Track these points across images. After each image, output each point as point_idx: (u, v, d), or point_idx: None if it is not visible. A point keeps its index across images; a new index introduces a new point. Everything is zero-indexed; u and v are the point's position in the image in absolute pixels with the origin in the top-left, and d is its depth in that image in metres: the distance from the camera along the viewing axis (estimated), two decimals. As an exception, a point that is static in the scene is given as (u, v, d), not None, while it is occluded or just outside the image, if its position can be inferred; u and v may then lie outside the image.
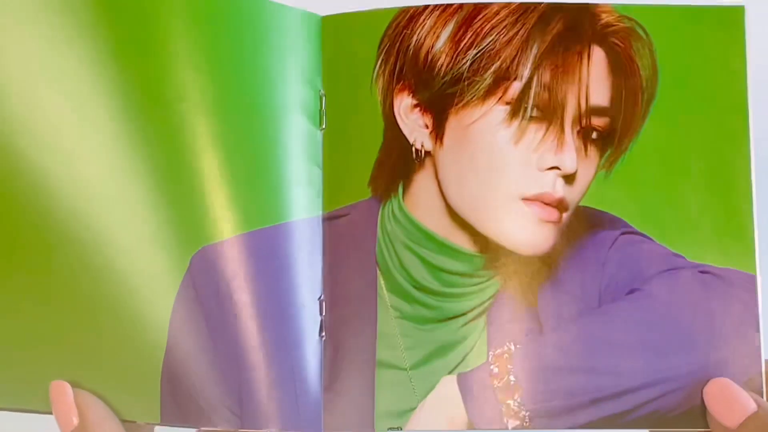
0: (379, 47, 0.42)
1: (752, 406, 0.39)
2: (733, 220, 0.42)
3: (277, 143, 0.41)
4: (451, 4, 0.42)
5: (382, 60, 0.42)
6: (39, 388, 0.40)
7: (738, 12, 0.42)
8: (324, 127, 0.42)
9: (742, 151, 0.42)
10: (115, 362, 0.40)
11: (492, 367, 0.41)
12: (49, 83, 0.40)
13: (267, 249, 0.41)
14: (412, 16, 0.42)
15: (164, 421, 0.40)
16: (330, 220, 0.42)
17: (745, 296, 0.41)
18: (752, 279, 0.41)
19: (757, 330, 0.41)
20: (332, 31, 0.42)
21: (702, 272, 0.41)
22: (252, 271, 0.40)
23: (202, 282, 0.40)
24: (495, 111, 0.41)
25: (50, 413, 0.40)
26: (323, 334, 0.41)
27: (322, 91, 0.42)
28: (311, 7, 0.42)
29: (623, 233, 0.42)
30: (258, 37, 0.41)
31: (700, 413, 0.40)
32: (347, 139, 0.42)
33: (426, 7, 0.42)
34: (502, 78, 0.41)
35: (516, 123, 0.41)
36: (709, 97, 0.42)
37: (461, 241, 0.42)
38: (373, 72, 0.42)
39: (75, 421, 0.39)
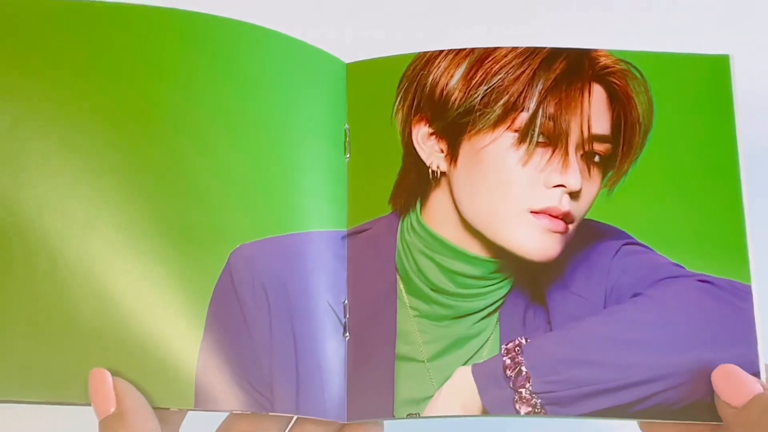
0: (399, 86, 0.48)
1: (758, 388, 0.41)
2: (726, 235, 0.45)
3: (308, 166, 0.46)
4: (464, 49, 0.47)
5: (401, 97, 0.47)
6: (75, 380, 0.42)
7: (723, 60, 0.47)
8: (348, 155, 0.48)
9: (731, 175, 0.46)
10: (153, 351, 0.42)
11: (504, 359, 0.44)
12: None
13: (297, 252, 0.45)
14: (429, 59, 0.47)
15: (198, 407, 0.42)
16: (353, 234, 0.46)
17: (741, 305, 0.44)
18: (747, 289, 0.44)
19: (754, 336, 0.44)
20: (356, 75, 0.48)
21: (701, 281, 0.44)
22: (284, 269, 0.44)
23: (239, 275, 0.43)
24: (504, 137, 0.46)
25: (84, 405, 0.42)
26: (347, 334, 0.45)
27: (347, 126, 0.48)
28: (336, 50, 0.49)
29: (625, 244, 0.45)
30: (294, 80, 0.47)
31: (702, 407, 0.42)
32: (369, 165, 0.47)
33: (441, 51, 0.47)
34: (511, 109, 0.46)
35: (524, 147, 0.45)
36: (700, 127, 0.47)
37: (474, 248, 0.46)
38: (393, 107, 0.47)
39: (112, 407, 0.41)
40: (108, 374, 0.41)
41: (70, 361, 0.42)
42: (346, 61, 0.49)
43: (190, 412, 0.44)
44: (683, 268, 0.45)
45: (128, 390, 0.41)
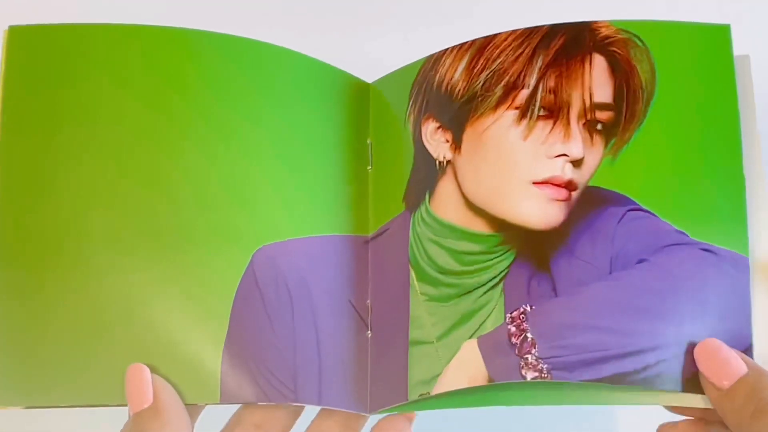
0: (410, 92, 0.49)
1: (743, 369, 0.40)
2: (726, 205, 0.44)
3: (333, 176, 0.48)
4: (466, 42, 0.48)
5: (413, 101, 0.49)
6: (107, 382, 0.43)
7: (724, 30, 0.47)
8: (371, 167, 0.49)
9: (733, 143, 0.45)
10: (179, 350, 0.44)
11: (510, 326, 0.44)
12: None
13: (319, 252, 0.46)
14: (436, 59, 0.48)
15: (223, 401, 0.43)
16: (375, 237, 0.48)
17: (740, 276, 0.43)
18: (746, 261, 0.43)
19: (749, 310, 0.43)
20: (377, 91, 0.50)
21: (704, 249, 0.44)
22: (305, 268, 0.46)
23: (262, 274, 0.45)
24: (505, 116, 0.46)
25: (115, 406, 0.42)
26: (369, 332, 0.46)
27: (370, 140, 0.50)
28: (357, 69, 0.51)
29: (630, 210, 0.45)
30: (323, 100, 0.49)
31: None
32: (387, 171, 0.49)
33: (446, 50, 0.48)
34: (511, 88, 0.46)
35: (525, 122, 0.45)
36: (702, 95, 0.46)
37: (479, 226, 0.46)
38: (406, 112, 0.49)
39: (147, 402, 0.41)
40: (146, 369, 0.42)
41: (102, 364, 0.43)
42: (369, 79, 0.51)
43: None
44: (687, 235, 0.44)
45: (164, 386, 0.42)
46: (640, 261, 0.44)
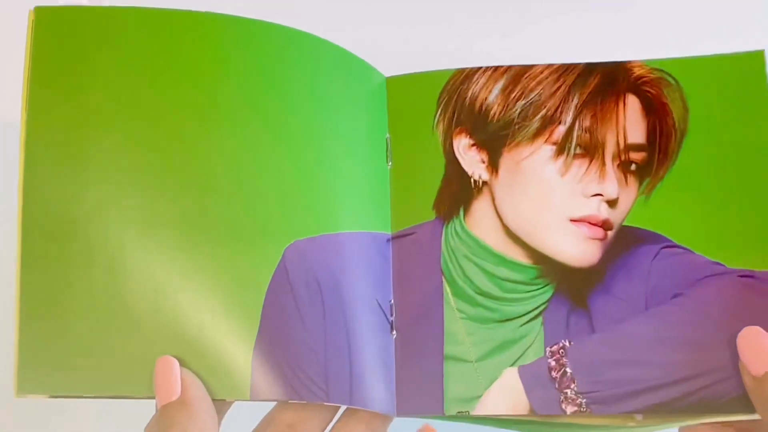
0: (439, 99, 0.50)
1: None
2: (762, 228, 0.46)
3: (351, 171, 0.48)
4: (501, 66, 0.50)
5: (442, 109, 0.50)
6: (135, 374, 0.43)
7: (758, 56, 0.48)
8: (391, 163, 0.50)
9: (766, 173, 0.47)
10: (209, 344, 0.43)
11: (549, 361, 0.46)
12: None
13: (348, 249, 0.47)
14: (468, 75, 0.50)
15: (253, 398, 0.43)
16: (398, 238, 0.49)
17: None
18: None
19: None
20: (396, 88, 0.51)
21: (742, 276, 0.46)
22: (336, 265, 0.46)
23: (294, 270, 0.45)
24: (543, 149, 0.48)
25: (143, 398, 0.42)
26: (394, 332, 0.47)
27: (388, 135, 0.51)
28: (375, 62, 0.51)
29: (664, 247, 0.47)
30: (339, 89, 0.49)
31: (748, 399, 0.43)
32: (412, 172, 0.50)
33: (480, 68, 0.50)
34: (548, 122, 0.48)
35: (561, 159, 0.48)
36: (737, 125, 0.48)
37: (517, 254, 0.48)
38: (434, 119, 0.50)
39: (175, 395, 0.41)
40: (176, 362, 0.42)
41: (129, 355, 0.43)
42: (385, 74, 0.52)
43: (236, 403, 0.45)
44: (723, 265, 0.46)
45: (193, 380, 0.42)
46: (676, 296, 0.46)
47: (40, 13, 0.46)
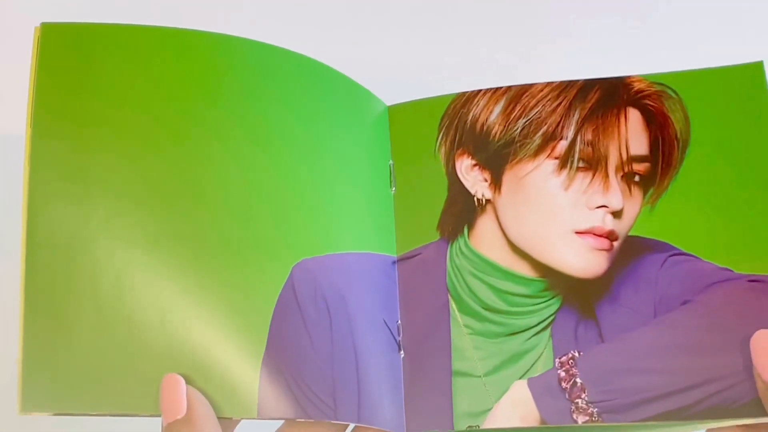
0: (440, 124, 0.51)
1: None
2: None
3: (355, 197, 0.49)
4: (501, 87, 0.51)
5: (444, 133, 0.51)
6: (140, 391, 0.42)
7: (757, 67, 0.49)
8: (394, 188, 0.51)
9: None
10: (216, 362, 0.43)
11: (559, 371, 0.46)
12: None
13: (355, 269, 0.47)
14: (468, 98, 0.51)
15: (261, 416, 0.43)
16: (404, 260, 0.50)
17: None
18: None
19: None
20: (397, 115, 0.52)
21: (751, 281, 0.45)
22: (343, 284, 0.46)
23: (302, 288, 0.45)
24: (545, 164, 0.48)
25: (149, 416, 0.42)
26: (401, 352, 0.48)
27: (391, 162, 0.52)
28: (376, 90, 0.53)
29: (671, 255, 0.47)
30: (341, 115, 0.50)
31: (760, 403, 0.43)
32: (415, 196, 0.51)
33: (479, 90, 0.51)
34: (550, 138, 0.48)
35: (564, 172, 0.48)
36: (738, 134, 0.48)
37: (523, 269, 0.48)
38: (437, 143, 0.51)
39: (181, 413, 0.41)
40: (182, 380, 0.42)
41: (134, 373, 0.42)
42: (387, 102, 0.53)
43: (243, 421, 0.45)
44: (731, 271, 0.46)
45: (198, 398, 0.42)
46: (684, 302, 0.46)
47: (46, 29, 0.46)
